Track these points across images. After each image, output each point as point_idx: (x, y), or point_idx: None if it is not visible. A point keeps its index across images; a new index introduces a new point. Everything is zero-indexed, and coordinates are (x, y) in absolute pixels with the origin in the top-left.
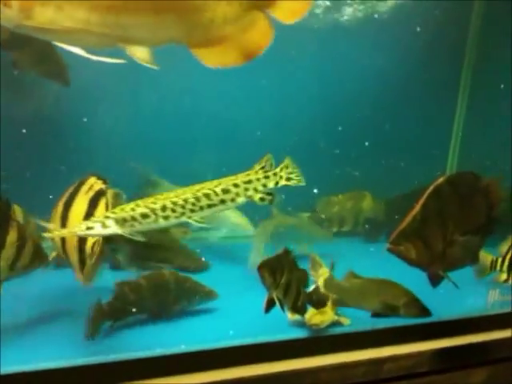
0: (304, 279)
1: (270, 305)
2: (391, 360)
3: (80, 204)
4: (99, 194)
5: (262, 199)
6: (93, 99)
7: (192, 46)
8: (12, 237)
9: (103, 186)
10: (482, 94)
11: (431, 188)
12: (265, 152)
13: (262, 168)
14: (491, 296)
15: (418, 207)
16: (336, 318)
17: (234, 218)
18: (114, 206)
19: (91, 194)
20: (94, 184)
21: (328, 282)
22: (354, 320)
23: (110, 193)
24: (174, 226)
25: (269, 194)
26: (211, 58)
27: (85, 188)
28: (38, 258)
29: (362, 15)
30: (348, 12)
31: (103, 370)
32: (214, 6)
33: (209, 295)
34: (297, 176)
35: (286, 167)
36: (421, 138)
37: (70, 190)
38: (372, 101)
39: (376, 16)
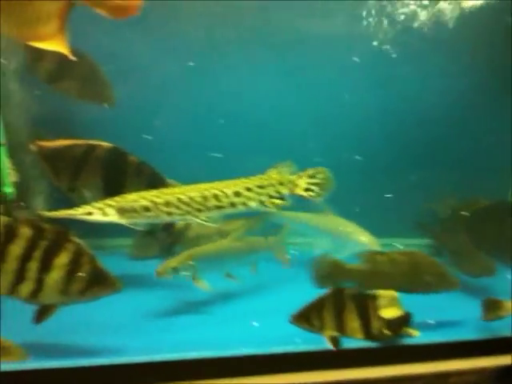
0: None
1: (335, 342)
2: (456, 374)
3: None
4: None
5: (272, 205)
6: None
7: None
8: (62, 259)
9: None
10: None
11: None
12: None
13: (279, 174)
14: None
15: None
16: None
17: (362, 237)
18: None
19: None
20: None
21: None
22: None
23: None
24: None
25: (281, 199)
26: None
27: None
28: (100, 283)
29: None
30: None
31: None
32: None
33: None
34: (319, 190)
35: (310, 177)
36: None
37: None
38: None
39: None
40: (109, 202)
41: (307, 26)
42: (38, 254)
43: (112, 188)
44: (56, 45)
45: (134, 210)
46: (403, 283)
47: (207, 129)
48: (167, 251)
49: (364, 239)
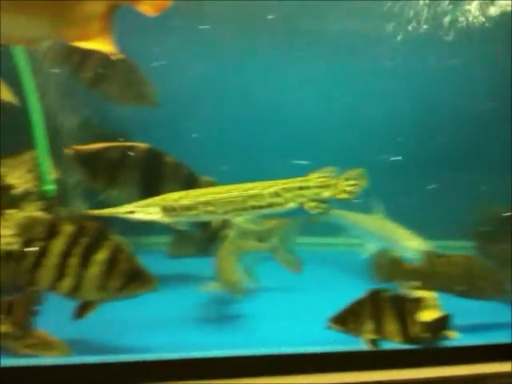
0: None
1: (373, 345)
2: (495, 377)
3: None
4: None
5: (314, 207)
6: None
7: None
8: (101, 256)
9: None
10: None
11: None
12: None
13: (321, 177)
14: None
15: None
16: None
17: (413, 242)
18: None
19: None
20: None
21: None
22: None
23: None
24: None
25: (323, 202)
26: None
27: None
28: (137, 281)
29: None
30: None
31: None
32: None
33: None
34: (354, 190)
35: (349, 179)
36: None
37: None
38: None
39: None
40: (151, 200)
41: (344, 28)
42: (78, 251)
43: (149, 188)
44: (102, 44)
45: (175, 209)
46: (460, 286)
47: (245, 130)
48: (204, 250)
49: (415, 244)
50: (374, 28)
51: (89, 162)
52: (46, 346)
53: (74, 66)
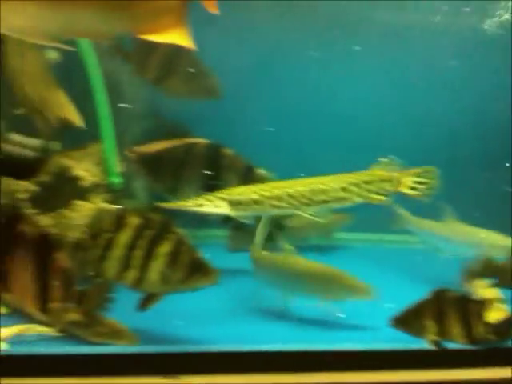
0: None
1: (437, 344)
2: None
3: None
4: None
5: (377, 200)
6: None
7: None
8: (165, 248)
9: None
10: None
11: None
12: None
13: (386, 171)
14: None
15: None
16: None
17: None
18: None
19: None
20: None
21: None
22: None
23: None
24: None
25: (384, 195)
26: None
27: None
28: (198, 273)
29: None
30: None
31: None
32: None
33: None
34: (424, 189)
35: (416, 175)
36: None
37: None
38: None
39: None
40: (219, 194)
41: (405, 22)
42: (143, 243)
43: (210, 182)
44: (177, 37)
45: (243, 203)
46: None
47: (304, 123)
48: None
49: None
50: (440, 22)
51: (151, 163)
52: (115, 334)
53: (139, 62)
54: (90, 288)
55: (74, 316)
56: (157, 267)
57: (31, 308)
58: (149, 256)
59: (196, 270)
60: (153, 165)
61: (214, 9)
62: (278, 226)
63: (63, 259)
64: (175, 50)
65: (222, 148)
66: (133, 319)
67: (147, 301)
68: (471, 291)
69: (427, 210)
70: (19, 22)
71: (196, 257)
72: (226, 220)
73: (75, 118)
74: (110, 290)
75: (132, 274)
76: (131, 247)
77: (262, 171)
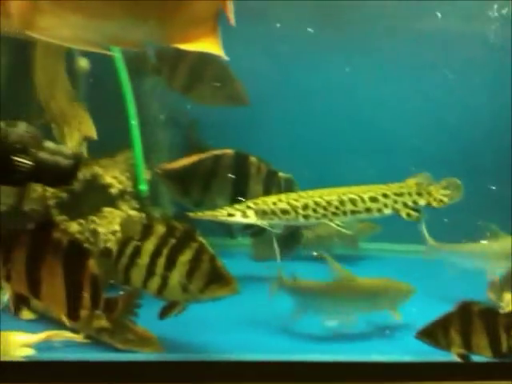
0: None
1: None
2: None
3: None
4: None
5: (408, 215)
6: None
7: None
8: (186, 256)
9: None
10: None
11: None
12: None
13: (417, 184)
14: None
15: None
16: None
17: None
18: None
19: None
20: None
21: None
22: None
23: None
24: None
25: (416, 210)
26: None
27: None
28: (218, 283)
29: None
30: None
31: None
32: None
33: None
34: (448, 199)
35: (444, 188)
36: None
37: None
38: None
39: None
40: (249, 204)
41: (429, 27)
42: (166, 251)
43: (237, 191)
44: (210, 46)
45: (272, 213)
46: None
47: (331, 132)
48: (288, 252)
49: None
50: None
51: (179, 179)
52: (143, 342)
53: (167, 71)
54: (118, 295)
55: (101, 323)
56: (177, 275)
57: (59, 314)
58: (170, 264)
59: (215, 280)
60: (180, 181)
61: (231, 20)
62: (294, 237)
63: (92, 266)
64: (203, 58)
65: (247, 156)
66: (161, 327)
67: (168, 309)
68: (498, 304)
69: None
70: (62, 31)
71: (216, 266)
72: (247, 228)
73: (91, 131)
74: (138, 297)
75: (155, 282)
76: (155, 255)
77: (284, 175)
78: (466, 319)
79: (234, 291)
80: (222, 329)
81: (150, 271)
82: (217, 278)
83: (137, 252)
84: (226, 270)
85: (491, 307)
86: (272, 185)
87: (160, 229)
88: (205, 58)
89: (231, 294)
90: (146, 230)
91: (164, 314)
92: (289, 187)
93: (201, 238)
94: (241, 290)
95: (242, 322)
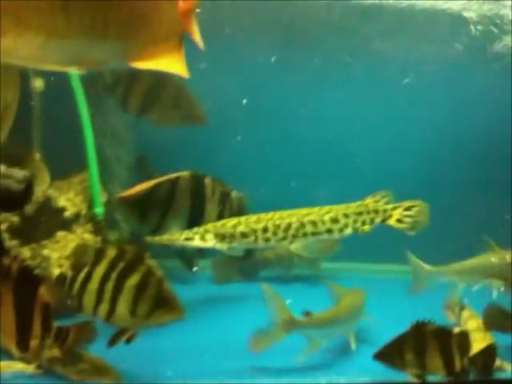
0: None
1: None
2: None
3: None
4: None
5: (363, 230)
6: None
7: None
8: (133, 281)
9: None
10: None
11: None
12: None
13: (376, 202)
14: None
15: None
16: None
17: None
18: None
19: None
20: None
21: None
22: None
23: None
24: None
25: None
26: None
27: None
28: (163, 308)
29: None
30: None
31: None
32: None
33: None
34: (413, 222)
35: (406, 209)
36: None
37: None
38: None
39: None
40: (208, 227)
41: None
42: (114, 275)
43: (195, 213)
44: (173, 65)
45: (232, 236)
46: None
47: (294, 152)
48: (249, 274)
49: None
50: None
51: (137, 206)
52: (98, 371)
53: (122, 92)
54: (70, 324)
55: (53, 352)
56: (124, 300)
57: (9, 344)
58: (118, 289)
59: (161, 304)
60: (138, 207)
61: (199, 45)
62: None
63: (43, 294)
64: (158, 79)
65: (203, 177)
66: (119, 355)
67: (116, 337)
68: (454, 321)
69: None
70: (24, 51)
71: (162, 290)
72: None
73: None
74: (92, 325)
75: (104, 308)
76: (105, 280)
77: (237, 194)
78: (420, 339)
79: (180, 316)
80: (181, 357)
81: (99, 296)
82: (163, 303)
83: (88, 277)
84: (172, 294)
85: (444, 327)
86: (225, 205)
87: (111, 252)
88: (161, 79)
89: (177, 319)
90: (99, 254)
91: (112, 341)
92: (241, 206)
93: (150, 261)
94: (199, 315)
95: (200, 349)
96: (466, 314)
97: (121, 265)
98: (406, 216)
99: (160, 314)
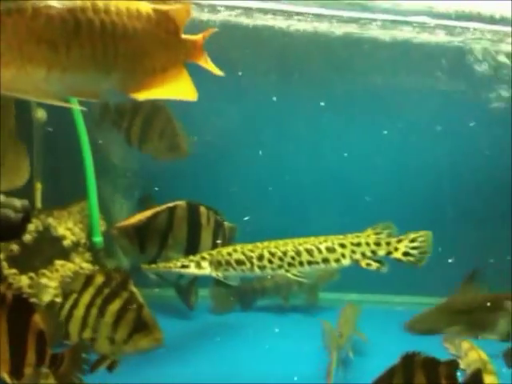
0: None
1: None
2: None
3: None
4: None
5: (368, 265)
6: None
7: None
8: (115, 306)
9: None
10: None
11: None
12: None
13: (377, 234)
14: None
15: None
16: None
17: None
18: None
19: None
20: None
21: None
22: None
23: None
24: None
25: (378, 261)
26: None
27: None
28: (141, 333)
29: None
30: None
31: None
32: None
33: None
34: (419, 255)
35: (411, 241)
36: None
37: None
38: None
39: None
40: (204, 255)
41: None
42: (99, 302)
43: (192, 242)
44: (180, 91)
45: (227, 264)
46: None
47: (293, 182)
48: (247, 303)
49: None
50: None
51: (136, 235)
52: None
53: (125, 125)
54: (64, 351)
55: (49, 381)
56: (105, 326)
57: (3, 372)
58: (100, 315)
59: (138, 329)
60: (137, 237)
61: (216, 73)
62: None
63: (37, 321)
64: (153, 111)
65: (198, 206)
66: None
67: (96, 364)
68: (456, 354)
69: None
70: (25, 84)
71: (141, 315)
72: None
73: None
74: (85, 351)
75: (87, 334)
76: (90, 306)
77: (229, 224)
78: (409, 371)
79: (159, 342)
80: None
81: (84, 323)
82: (140, 327)
83: (75, 304)
84: (152, 319)
85: (433, 357)
86: (219, 234)
87: (99, 279)
88: (154, 111)
89: (156, 346)
90: (88, 281)
91: (93, 368)
92: (232, 236)
93: (133, 288)
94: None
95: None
96: (466, 345)
97: (106, 291)
98: (413, 248)
99: (138, 338)
